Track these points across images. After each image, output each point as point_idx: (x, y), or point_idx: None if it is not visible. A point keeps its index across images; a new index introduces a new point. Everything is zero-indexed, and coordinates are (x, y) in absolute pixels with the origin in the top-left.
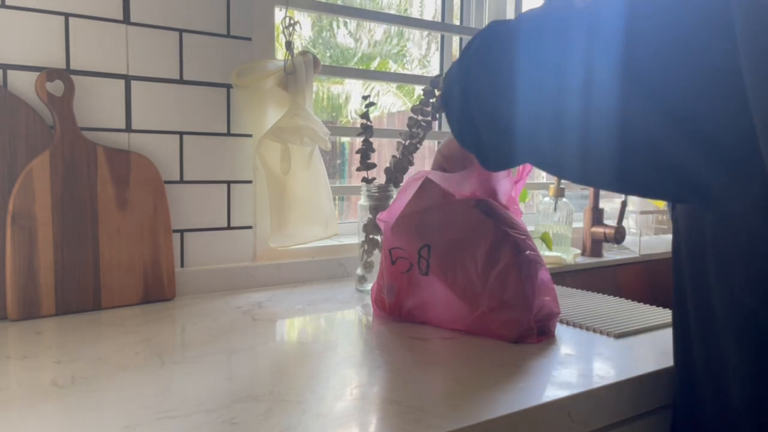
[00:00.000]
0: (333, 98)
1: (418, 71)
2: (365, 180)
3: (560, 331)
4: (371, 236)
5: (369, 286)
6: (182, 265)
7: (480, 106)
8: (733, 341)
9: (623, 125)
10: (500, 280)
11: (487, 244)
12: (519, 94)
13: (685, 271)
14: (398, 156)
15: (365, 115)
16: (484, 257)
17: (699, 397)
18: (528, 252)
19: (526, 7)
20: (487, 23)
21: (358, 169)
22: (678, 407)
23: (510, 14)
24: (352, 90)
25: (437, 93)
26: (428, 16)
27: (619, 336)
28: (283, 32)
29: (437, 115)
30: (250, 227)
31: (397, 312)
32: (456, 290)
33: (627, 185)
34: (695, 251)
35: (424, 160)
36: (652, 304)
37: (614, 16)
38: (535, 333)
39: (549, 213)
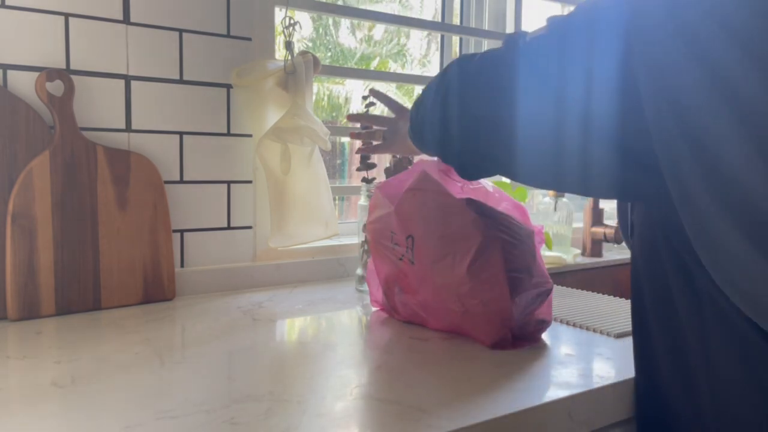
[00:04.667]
0: (333, 98)
1: (418, 71)
2: (365, 180)
3: (560, 331)
4: None
5: None
6: (182, 265)
7: (473, 120)
8: (706, 344)
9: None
10: (484, 285)
11: (475, 245)
12: (519, 108)
13: (643, 280)
14: (398, 156)
15: None
16: (471, 258)
17: (665, 405)
18: (517, 258)
19: (525, 8)
20: (485, 25)
21: (358, 169)
22: (643, 418)
23: (510, 14)
24: (353, 90)
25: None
26: (428, 16)
27: (619, 336)
28: (283, 32)
29: None
30: (250, 227)
31: (392, 303)
32: (439, 286)
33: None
34: (654, 264)
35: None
36: None
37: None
38: (511, 340)
39: (549, 213)
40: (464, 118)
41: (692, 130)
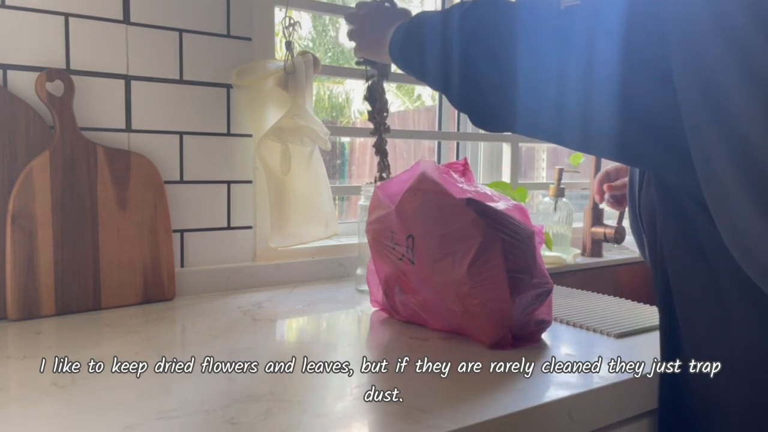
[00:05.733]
0: (333, 98)
1: None
2: (378, 176)
3: (560, 331)
4: None
5: None
6: (182, 265)
7: (485, 69)
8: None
9: (623, 97)
10: (484, 285)
11: (475, 245)
12: (522, 64)
13: (670, 271)
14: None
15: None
16: (471, 258)
17: (690, 398)
18: (517, 259)
19: None
20: None
21: (378, 172)
22: (666, 409)
23: None
24: (353, 90)
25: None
26: None
27: (619, 336)
28: (283, 32)
29: None
30: (250, 227)
31: (392, 302)
32: (439, 286)
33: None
34: (682, 246)
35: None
36: (652, 304)
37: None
38: (511, 340)
39: (549, 213)
40: (469, 58)
41: (717, 102)
